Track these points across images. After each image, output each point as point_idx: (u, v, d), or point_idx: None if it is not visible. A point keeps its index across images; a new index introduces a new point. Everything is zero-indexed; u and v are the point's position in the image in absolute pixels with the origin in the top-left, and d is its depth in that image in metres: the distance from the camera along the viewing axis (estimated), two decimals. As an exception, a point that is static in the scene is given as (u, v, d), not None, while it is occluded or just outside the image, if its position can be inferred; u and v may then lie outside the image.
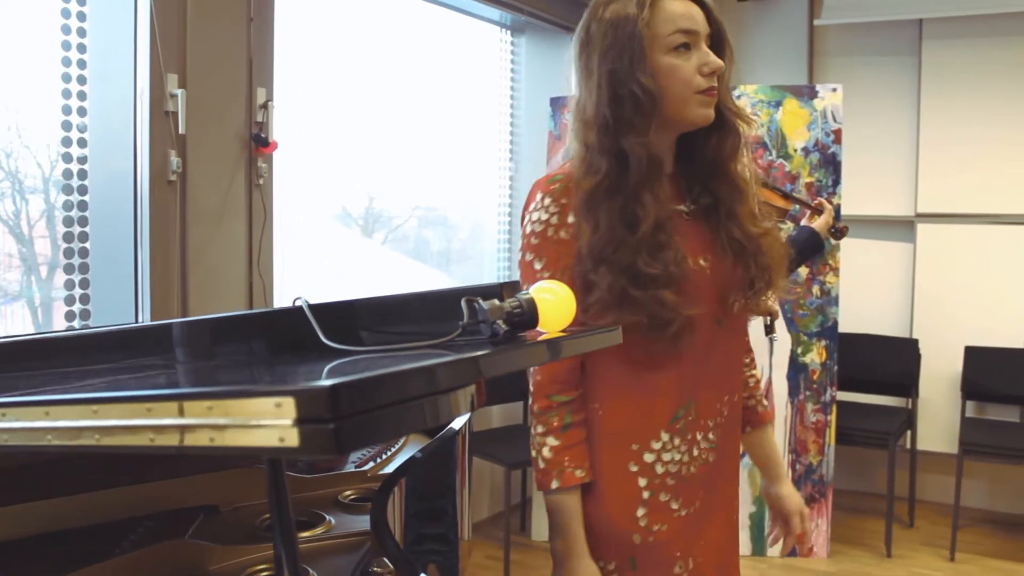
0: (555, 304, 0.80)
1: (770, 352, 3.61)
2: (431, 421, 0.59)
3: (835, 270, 3.59)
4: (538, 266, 1.29)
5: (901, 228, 4.23)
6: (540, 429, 1.31)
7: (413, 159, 3.71)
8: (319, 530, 1.33)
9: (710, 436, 1.37)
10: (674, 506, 1.34)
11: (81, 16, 2.45)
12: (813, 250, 2.56)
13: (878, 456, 3.92)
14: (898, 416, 3.92)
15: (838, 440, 3.65)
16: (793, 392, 3.60)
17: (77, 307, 2.51)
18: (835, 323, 3.59)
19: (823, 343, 3.59)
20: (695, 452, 1.35)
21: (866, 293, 4.25)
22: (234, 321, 1.11)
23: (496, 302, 0.78)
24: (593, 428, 1.33)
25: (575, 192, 1.28)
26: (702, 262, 1.32)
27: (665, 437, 1.33)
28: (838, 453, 3.74)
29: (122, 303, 2.52)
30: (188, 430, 0.59)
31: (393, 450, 1.72)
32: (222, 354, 1.07)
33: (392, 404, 0.55)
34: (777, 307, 1.59)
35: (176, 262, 2.51)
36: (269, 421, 0.55)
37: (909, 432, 4.01)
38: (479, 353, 0.64)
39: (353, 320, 0.99)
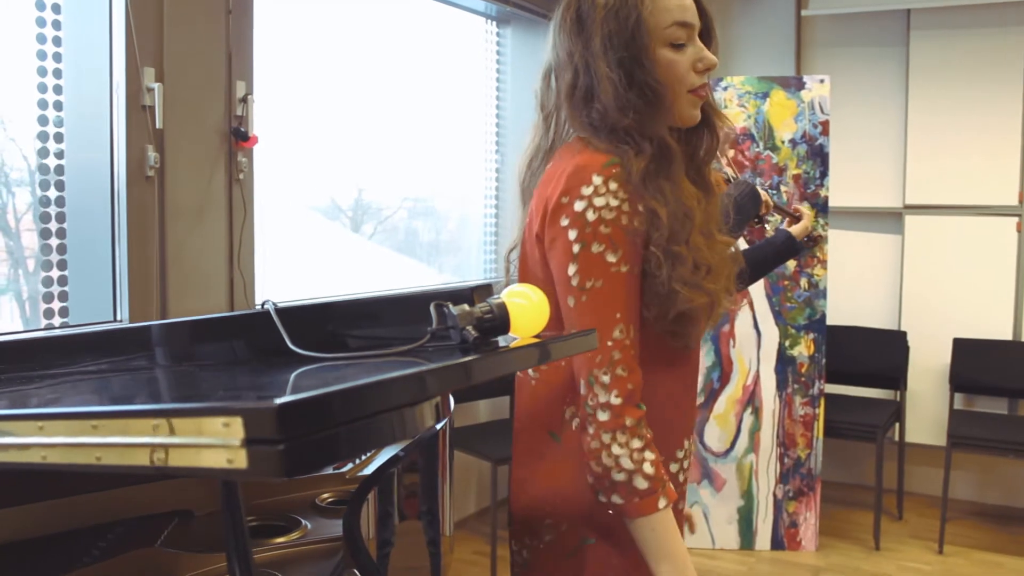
0: (528, 309, 0.77)
1: (758, 345, 3.60)
2: (392, 438, 0.56)
3: (823, 263, 3.57)
4: (612, 258, 1.15)
5: (889, 220, 4.22)
6: (637, 444, 1.13)
7: (399, 151, 3.67)
8: (294, 535, 1.30)
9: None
10: (680, 506, 1.33)
11: (56, 8, 2.40)
12: (787, 255, 2.49)
13: (867, 449, 3.91)
14: (886, 409, 3.91)
15: (826, 433, 3.64)
16: (781, 385, 3.59)
17: (56, 304, 2.47)
18: (823, 316, 3.58)
19: (811, 336, 3.58)
20: (692, 451, 1.35)
21: (854, 285, 4.24)
22: (204, 324, 1.08)
23: (466, 307, 0.75)
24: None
25: (632, 174, 1.18)
26: None
27: (687, 444, 1.30)
28: (826, 446, 3.73)
29: (101, 300, 2.48)
30: (134, 449, 0.56)
31: (372, 450, 1.69)
32: (189, 358, 1.04)
33: (348, 422, 0.52)
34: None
35: (155, 258, 2.46)
36: (217, 441, 0.52)
37: (897, 425, 4.01)
38: (442, 364, 0.61)
39: (324, 323, 0.96)
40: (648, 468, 1.13)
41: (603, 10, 1.19)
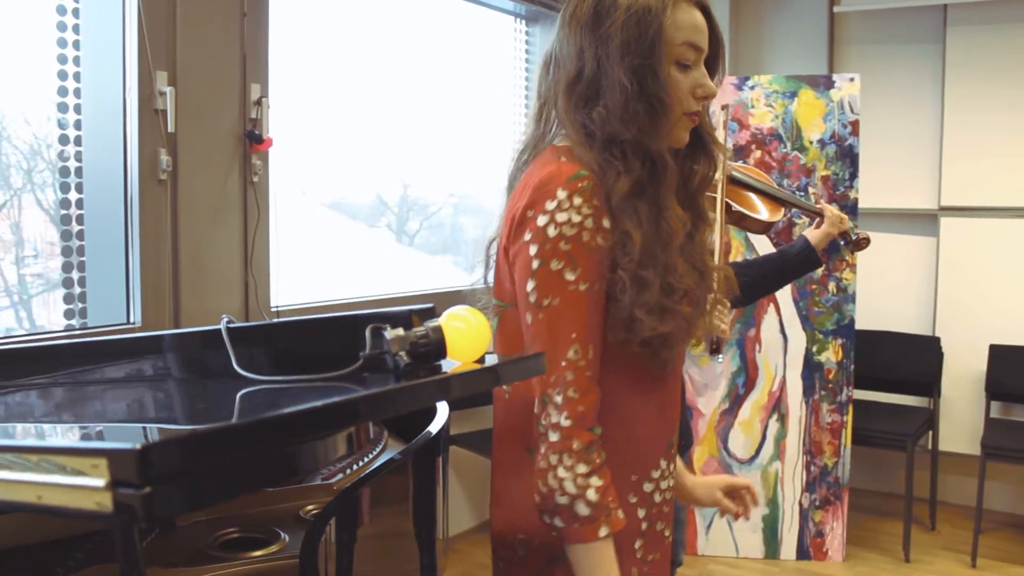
0: (466, 333, 0.74)
1: (784, 350, 3.52)
2: (282, 477, 0.54)
3: (852, 267, 3.48)
4: (571, 276, 1.11)
5: (924, 222, 4.09)
6: (583, 469, 1.10)
7: (429, 150, 3.66)
8: (272, 548, 1.28)
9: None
10: (666, 533, 1.29)
11: (76, 13, 2.43)
12: (804, 266, 2.33)
13: (897, 457, 3.80)
14: (919, 416, 3.80)
15: (855, 441, 3.55)
16: (808, 392, 3.50)
17: (76, 305, 2.50)
18: (852, 321, 3.48)
19: (839, 341, 3.49)
20: (672, 471, 1.30)
21: (886, 289, 4.13)
22: (168, 339, 1.06)
23: (400, 332, 0.72)
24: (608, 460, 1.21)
25: (610, 191, 1.14)
26: None
27: (663, 464, 1.26)
28: (856, 453, 3.64)
29: (116, 302, 2.50)
30: (20, 486, 0.54)
31: (367, 459, 1.66)
32: (154, 371, 1.02)
33: (223, 462, 0.49)
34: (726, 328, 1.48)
35: (167, 261, 2.48)
36: (86, 482, 0.49)
37: (931, 433, 3.89)
38: (342, 399, 0.58)
39: (276, 342, 0.94)
40: (592, 495, 1.10)
41: (625, 13, 1.15)
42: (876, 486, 4.17)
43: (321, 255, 3.27)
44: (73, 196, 2.45)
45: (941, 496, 3.97)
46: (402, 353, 0.70)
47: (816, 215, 2.38)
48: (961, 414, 3.96)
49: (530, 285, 1.12)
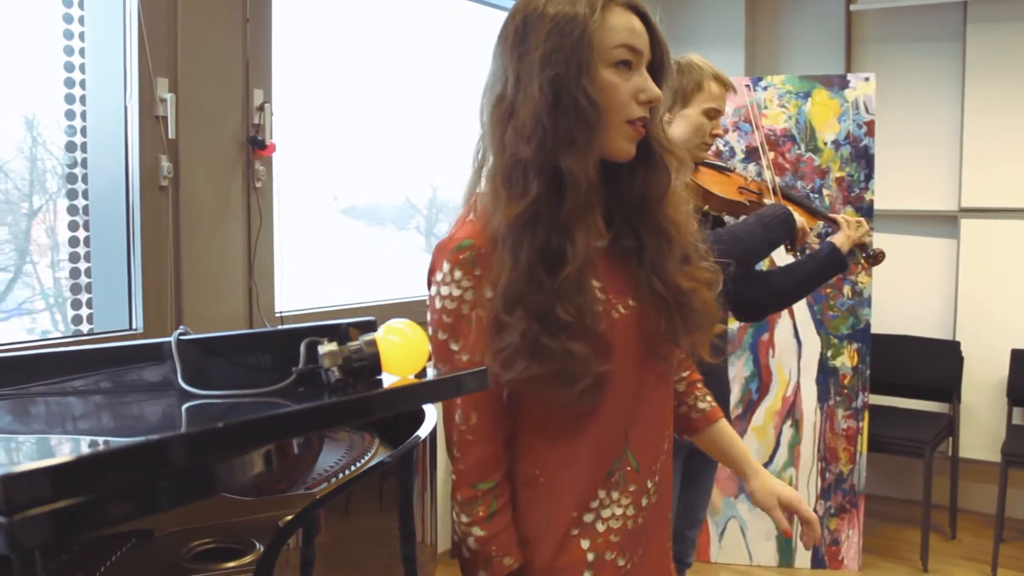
0: (402, 347, 0.72)
1: (798, 355, 3.46)
2: (171, 503, 0.52)
3: (867, 270, 3.41)
4: (455, 347, 1.14)
5: (943, 223, 4.01)
6: (465, 519, 1.20)
7: (434, 151, 3.64)
8: (246, 559, 1.27)
9: (656, 479, 1.26)
10: (621, 562, 1.24)
11: (82, 20, 2.44)
12: (833, 268, 2.27)
13: (915, 463, 3.73)
14: (938, 422, 3.72)
15: (871, 448, 3.48)
16: (823, 397, 3.44)
17: (84, 311, 2.52)
18: (867, 325, 3.42)
19: (854, 346, 3.42)
20: (644, 502, 1.25)
21: (905, 292, 4.05)
22: (124, 350, 1.05)
23: (334, 347, 0.70)
24: (534, 498, 1.21)
25: (498, 223, 1.12)
26: (625, 307, 1.19)
27: (602, 494, 1.21)
28: (873, 459, 3.57)
29: (119, 309, 2.51)
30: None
31: (353, 469, 1.64)
32: (111, 383, 1.01)
33: (97, 490, 0.48)
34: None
35: (169, 268, 2.48)
36: (-43, 509, 0.48)
37: (951, 439, 3.81)
38: (249, 418, 0.56)
39: (227, 355, 0.92)
40: (471, 543, 1.20)
41: (549, 23, 1.11)
42: (894, 493, 4.09)
43: (335, 260, 3.27)
44: (80, 203, 2.47)
45: (962, 504, 3.88)
46: (334, 368, 0.68)
47: (834, 224, 2.33)
48: (982, 420, 3.87)
49: (430, 348, 1.14)
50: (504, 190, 1.12)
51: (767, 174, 2.37)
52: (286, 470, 1.56)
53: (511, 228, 1.10)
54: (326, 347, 0.69)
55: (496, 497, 1.19)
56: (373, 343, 0.71)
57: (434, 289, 1.16)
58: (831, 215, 2.38)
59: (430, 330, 1.15)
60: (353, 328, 0.79)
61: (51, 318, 2.56)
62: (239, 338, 0.94)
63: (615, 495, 1.21)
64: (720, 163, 2.28)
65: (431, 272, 1.17)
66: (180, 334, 0.91)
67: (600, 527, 1.21)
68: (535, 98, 1.11)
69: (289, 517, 1.43)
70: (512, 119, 1.13)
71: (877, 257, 2.37)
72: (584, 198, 1.11)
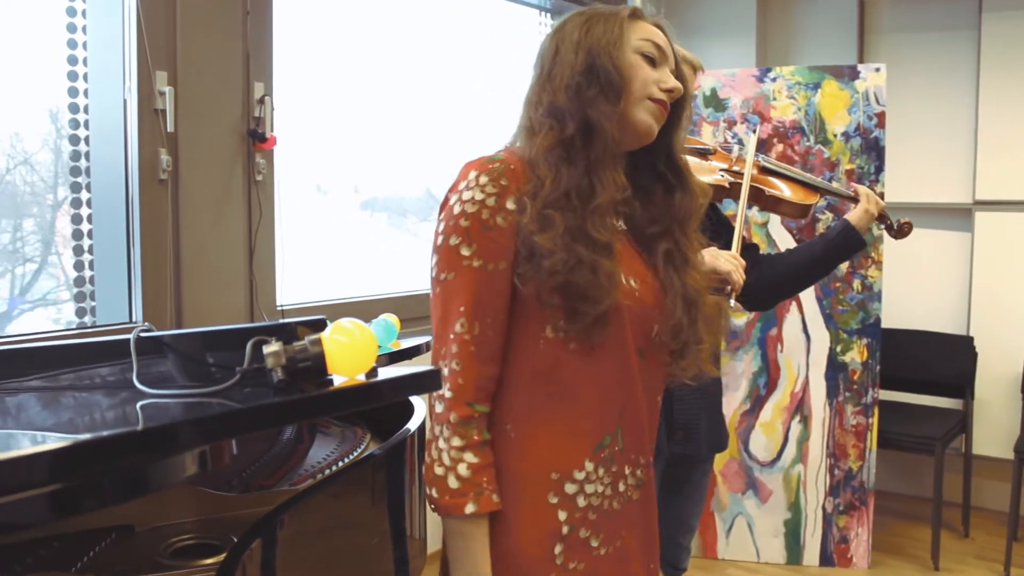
0: (349, 348, 0.70)
1: (807, 350, 3.42)
2: (91, 505, 0.50)
3: (877, 263, 3.36)
4: (466, 252, 1.15)
5: (958, 216, 3.94)
6: (457, 442, 1.15)
7: (451, 146, 3.62)
8: (223, 556, 1.26)
9: (638, 472, 1.27)
10: (594, 543, 1.23)
11: (85, 13, 2.44)
12: (848, 247, 2.15)
13: (927, 460, 3.67)
14: (950, 419, 3.66)
15: (881, 444, 3.43)
16: (831, 393, 3.40)
17: (88, 303, 2.53)
18: (877, 320, 3.37)
19: (864, 341, 3.37)
20: (620, 487, 1.24)
21: (917, 286, 3.99)
22: (98, 346, 1.04)
23: (278, 347, 0.68)
24: (502, 452, 1.20)
25: (535, 150, 1.19)
26: (632, 283, 1.23)
27: (590, 467, 1.21)
28: (884, 455, 3.52)
29: (119, 301, 2.51)
30: None
31: (341, 465, 1.63)
32: (78, 379, 1.00)
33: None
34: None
35: (169, 261, 2.48)
36: None
37: (964, 435, 3.75)
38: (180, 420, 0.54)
39: (189, 352, 0.91)
40: (463, 469, 1.14)
41: (588, 15, 1.27)
42: (905, 490, 4.04)
43: (338, 253, 3.26)
44: (84, 196, 2.47)
45: (976, 501, 3.82)
46: (278, 368, 0.66)
47: (851, 200, 2.23)
48: (996, 416, 3.81)
49: (433, 260, 1.18)
50: (540, 127, 1.21)
51: (749, 146, 2.23)
52: (275, 466, 1.55)
53: (546, 157, 1.18)
54: (270, 347, 0.67)
55: (487, 428, 1.18)
56: (318, 342, 0.69)
57: (454, 197, 1.18)
58: (851, 192, 2.22)
59: (440, 239, 1.17)
60: (302, 327, 0.77)
61: (75, 309, 2.56)
62: (199, 336, 0.92)
63: (600, 472, 1.22)
64: (698, 146, 2.20)
65: (454, 185, 1.20)
66: (141, 331, 0.89)
67: (581, 502, 1.21)
68: (571, 61, 1.22)
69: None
70: (550, 81, 1.24)
71: (903, 229, 2.25)
72: (610, 148, 1.19)
